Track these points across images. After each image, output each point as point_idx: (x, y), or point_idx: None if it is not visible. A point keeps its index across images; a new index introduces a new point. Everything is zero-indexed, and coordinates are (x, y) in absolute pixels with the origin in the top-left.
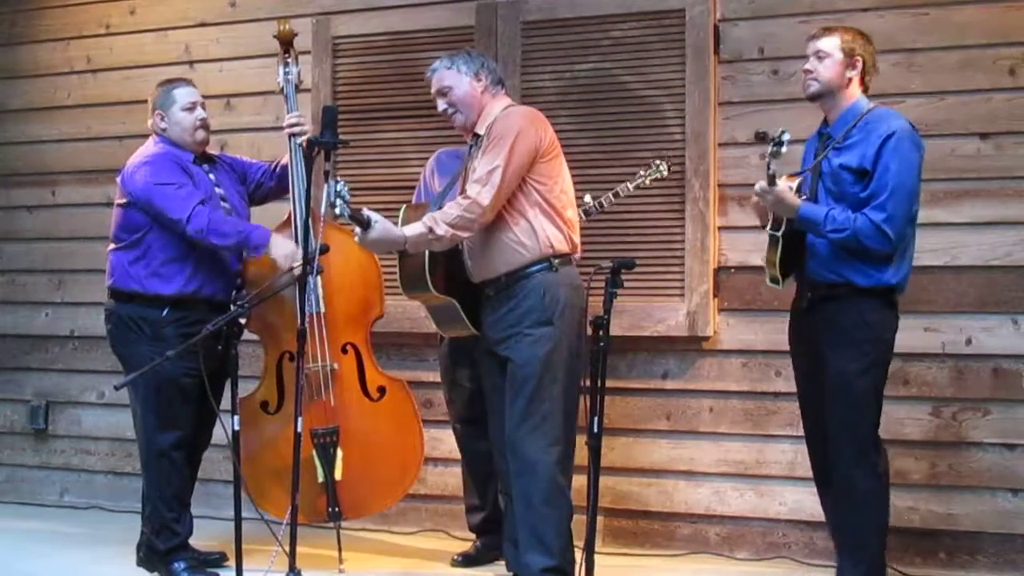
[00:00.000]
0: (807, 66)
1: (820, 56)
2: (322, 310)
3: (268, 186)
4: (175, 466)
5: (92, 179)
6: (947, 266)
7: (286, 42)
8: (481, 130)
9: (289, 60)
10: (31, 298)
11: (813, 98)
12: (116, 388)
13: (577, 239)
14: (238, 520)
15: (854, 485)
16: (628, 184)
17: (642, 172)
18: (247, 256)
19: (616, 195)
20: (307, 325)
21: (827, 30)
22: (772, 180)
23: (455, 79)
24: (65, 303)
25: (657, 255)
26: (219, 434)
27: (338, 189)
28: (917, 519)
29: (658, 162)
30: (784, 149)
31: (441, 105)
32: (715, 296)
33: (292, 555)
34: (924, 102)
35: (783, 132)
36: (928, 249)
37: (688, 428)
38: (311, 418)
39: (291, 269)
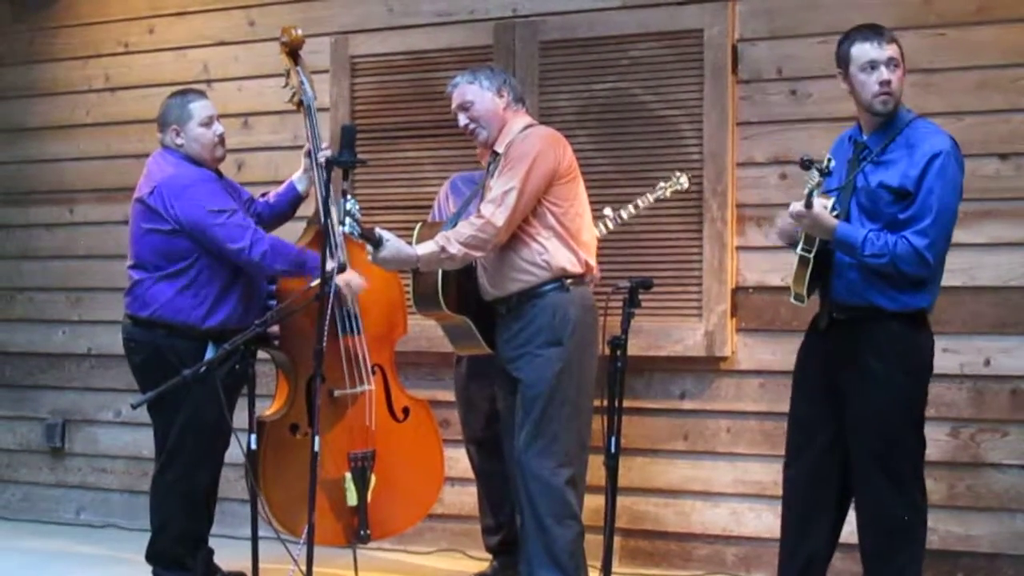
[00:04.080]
0: (886, 76)
1: (896, 64)
2: (360, 332)
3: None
4: (200, 505)
5: (110, 197)
6: (965, 286)
7: (296, 50)
8: (500, 148)
9: (300, 71)
10: (48, 316)
11: (888, 116)
12: (133, 407)
13: (593, 261)
14: (255, 540)
15: (896, 523)
16: (648, 195)
17: (662, 183)
18: (305, 276)
19: (636, 207)
20: (345, 348)
21: (887, 32)
22: (810, 202)
23: (477, 94)
24: (82, 321)
25: (675, 275)
26: (235, 453)
27: (347, 208)
28: (936, 540)
29: (678, 174)
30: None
31: (462, 120)
32: (733, 316)
33: (308, 575)
34: (942, 122)
35: (830, 160)
36: (947, 269)
37: (705, 448)
38: (349, 441)
39: (309, 288)
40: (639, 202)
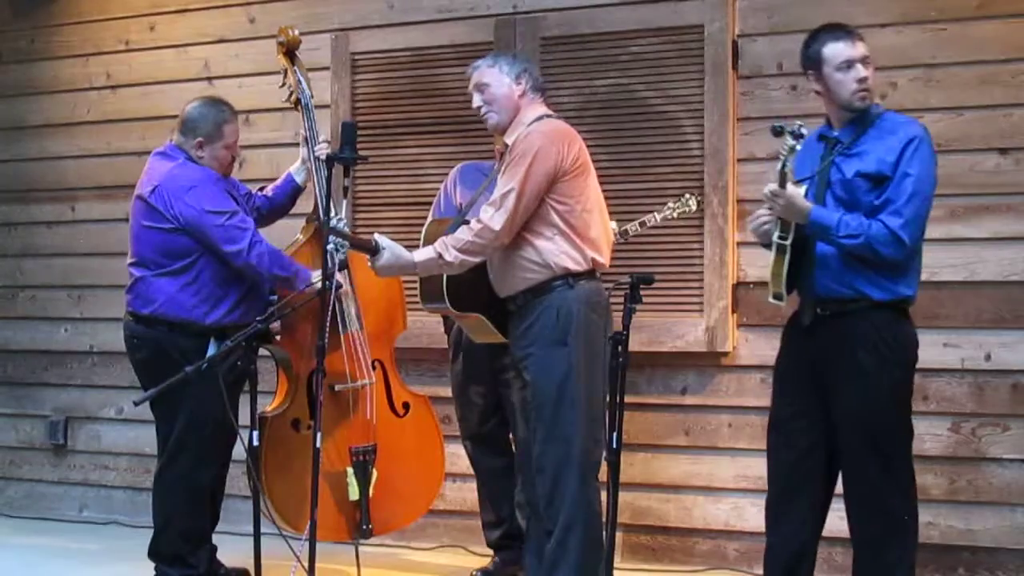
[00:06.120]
0: (863, 73)
1: (868, 61)
2: (360, 328)
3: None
4: (203, 502)
5: (111, 195)
6: (966, 281)
7: (293, 50)
8: (510, 139)
9: (298, 70)
10: (50, 314)
11: (862, 111)
12: (135, 404)
13: (602, 258)
14: (257, 536)
15: (891, 514)
16: (656, 215)
17: (671, 204)
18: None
19: (643, 224)
20: (345, 343)
21: (855, 30)
22: (784, 181)
23: (495, 77)
24: (84, 319)
25: (676, 270)
26: (237, 449)
27: (331, 224)
28: (936, 535)
29: (687, 196)
30: (801, 145)
31: (476, 101)
32: (734, 312)
33: (311, 571)
34: (943, 117)
35: (801, 126)
36: (947, 264)
37: (707, 444)
38: (350, 436)
39: (311, 285)
40: (646, 219)
